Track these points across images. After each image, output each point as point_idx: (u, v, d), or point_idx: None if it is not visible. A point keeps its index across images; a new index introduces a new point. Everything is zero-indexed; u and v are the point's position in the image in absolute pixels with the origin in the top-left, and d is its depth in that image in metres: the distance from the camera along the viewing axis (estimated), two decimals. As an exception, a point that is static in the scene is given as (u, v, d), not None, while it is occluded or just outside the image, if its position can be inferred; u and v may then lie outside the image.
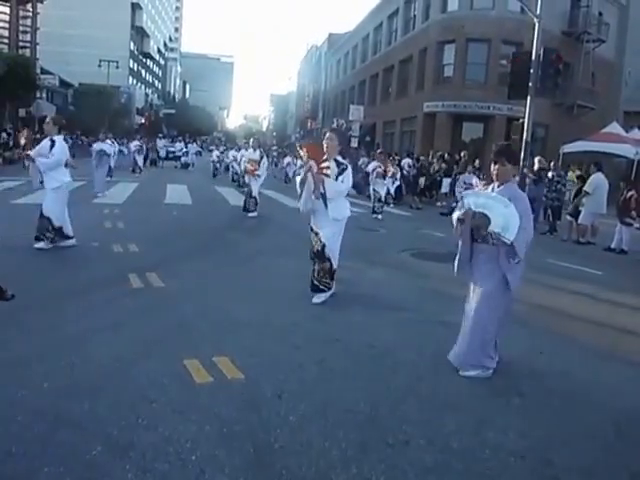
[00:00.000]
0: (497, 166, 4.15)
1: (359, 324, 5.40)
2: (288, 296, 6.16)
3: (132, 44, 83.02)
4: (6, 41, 42.80)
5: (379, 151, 17.69)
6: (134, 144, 26.70)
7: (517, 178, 4.24)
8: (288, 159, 28.94)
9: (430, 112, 29.43)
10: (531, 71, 17.26)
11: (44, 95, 48.11)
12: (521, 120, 18.93)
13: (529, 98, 17.68)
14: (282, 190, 21.06)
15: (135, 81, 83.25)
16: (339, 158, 5.91)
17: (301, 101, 72.15)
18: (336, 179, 5.83)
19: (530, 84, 17.39)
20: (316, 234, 6.02)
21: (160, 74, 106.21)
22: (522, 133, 18.25)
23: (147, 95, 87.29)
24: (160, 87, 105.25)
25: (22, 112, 37.35)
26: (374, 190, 14.82)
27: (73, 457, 2.87)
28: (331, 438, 3.21)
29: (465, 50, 28.32)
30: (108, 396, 3.56)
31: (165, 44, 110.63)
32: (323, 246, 5.95)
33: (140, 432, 3.14)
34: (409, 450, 3.18)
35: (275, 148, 51.44)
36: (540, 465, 3.14)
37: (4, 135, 31.54)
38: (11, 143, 29.46)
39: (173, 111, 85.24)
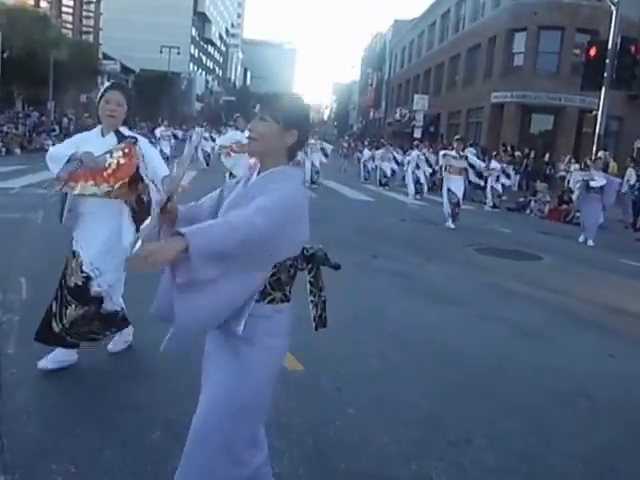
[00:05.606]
0: (253, 122, 2.11)
1: (419, 319, 5.30)
2: (345, 289, 6.04)
3: (194, 30, 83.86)
4: (70, 26, 43.77)
5: (457, 137, 14.85)
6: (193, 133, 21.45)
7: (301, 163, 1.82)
8: (368, 153, 23.17)
9: (498, 102, 28.57)
10: (607, 61, 16.53)
11: (105, 81, 49.38)
12: (594, 112, 18.19)
13: (603, 89, 16.95)
14: (346, 183, 20.93)
15: (196, 67, 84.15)
16: (123, 130, 3.65)
17: (364, 90, 71.59)
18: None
19: (605, 75, 16.67)
20: (74, 255, 3.58)
21: (221, 60, 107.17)
22: (595, 126, 17.54)
23: (207, 82, 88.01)
24: (221, 74, 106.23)
25: (83, 97, 38.20)
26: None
27: (133, 440, 2.92)
28: (390, 433, 3.17)
29: (537, 38, 27.24)
30: (167, 381, 3.60)
31: (227, 30, 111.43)
32: (86, 279, 3.52)
33: (200, 418, 3.17)
34: (471, 449, 3.11)
35: (347, 139, 48.62)
36: (606, 471, 3.02)
37: (65, 120, 32.29)
38: (72, 128, 30.16)
39: (233, 98, 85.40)
